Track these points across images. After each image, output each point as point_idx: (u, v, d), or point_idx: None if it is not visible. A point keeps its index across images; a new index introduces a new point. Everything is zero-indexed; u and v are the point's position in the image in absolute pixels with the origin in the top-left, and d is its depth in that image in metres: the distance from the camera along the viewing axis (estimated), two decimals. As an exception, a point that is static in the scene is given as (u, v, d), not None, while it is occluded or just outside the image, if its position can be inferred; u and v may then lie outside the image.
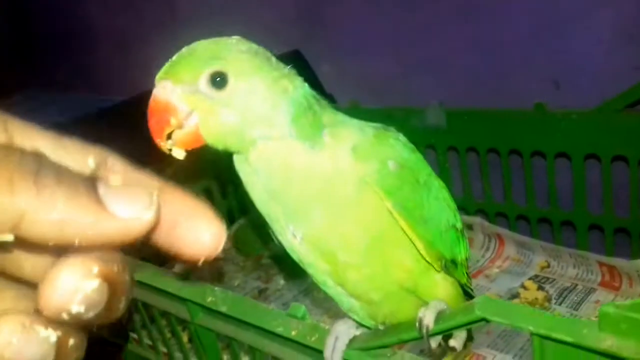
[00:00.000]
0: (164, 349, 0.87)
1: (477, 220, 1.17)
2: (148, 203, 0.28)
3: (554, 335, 0.39)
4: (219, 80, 0.43)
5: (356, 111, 1.19)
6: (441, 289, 0.52)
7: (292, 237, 0.48)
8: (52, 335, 0.27)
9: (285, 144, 0.45)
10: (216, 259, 0.35)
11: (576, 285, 0.99)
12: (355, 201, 0.47)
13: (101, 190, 0.28)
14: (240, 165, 0.48)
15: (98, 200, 0.27)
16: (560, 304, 0.96)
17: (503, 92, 1.15)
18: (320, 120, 0.47)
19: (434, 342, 0.49)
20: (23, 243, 0.27)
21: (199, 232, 0.31)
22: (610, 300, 0.93)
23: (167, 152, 0.43)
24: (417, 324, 0.48)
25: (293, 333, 0.58)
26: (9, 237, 0.26)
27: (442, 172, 1.17)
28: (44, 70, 2.45)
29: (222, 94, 0.43)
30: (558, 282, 1.01)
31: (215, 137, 0.45)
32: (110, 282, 0.28)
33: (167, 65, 0.44)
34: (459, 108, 1.11)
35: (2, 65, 2.31)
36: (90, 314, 0.27)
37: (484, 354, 0.89)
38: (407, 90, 1.25)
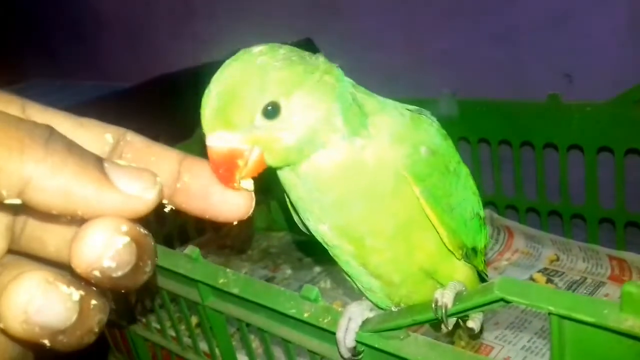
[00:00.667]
0: (172, 333, 0.86)
1: (486, 212, 1.16)
2: (152, 183, 0.29)
3: (574, 315, 0.39)
4: (271, 110, 0.42)
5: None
6: (460, 273, 0.52)
7: (320, 223, 0.48)
8: (75, 293, 0.27)
9: (338, 148, 0.45)
10: (249, 219, 0.35)
11: (585, 278, 0.99)
12: (390, 189, 0.46)
13: (108, 165, 0.28)
14: (285, 173, 0.47)
15: (104, 173, 0.28)
16: (569, 297, 0.95)
17: (516, 83, 1.15)
18: (364, 110, 0.46)
19: (451, 323, 0.49)
20: (30, 209, 0.27)
21: (231, 197, 0.34)
22: (619, 293, 0.93)
23: (238, 189, 0.41)
24: (433, 305, 0.47)
25: (306, 315, 0.58)
26: (17, 201, 0.27)
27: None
28: (51, 58, 2.45)
29: (278, 121, 0.42)
30: (567, 276, 1.01)
31: (279, 160, 0.44)
32: (137, 243, 0.28)
33: (211, 113, 0.41)
34: (471, 98, 1.11)
35: (8, 52, 2.31)
36: (119, 273, 0.28)
37: (492, 345, 0.89)
38: (420, 82, 1.25)
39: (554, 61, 1.12)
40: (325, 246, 0.51)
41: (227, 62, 0.43)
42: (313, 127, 0.43)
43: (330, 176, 0.45)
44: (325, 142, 0.44)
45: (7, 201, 0.26)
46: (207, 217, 0.34)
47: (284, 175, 0.47)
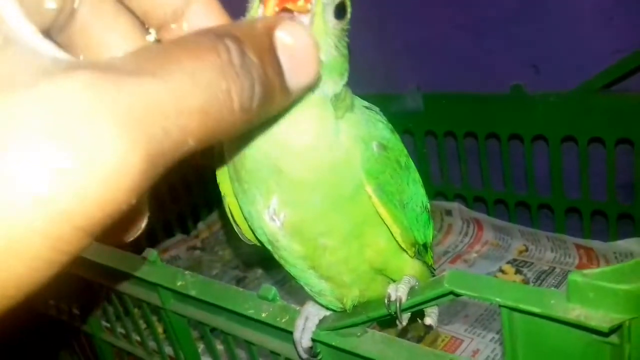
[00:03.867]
0: (137, 338, 0.85)
1: (455, 205, 1.16)
2: None
3: (522, 306, 0.38)
4: (341, 11, 0.40)
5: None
6: (411, 268, 0.51)
7: (270, 219, 0.44)
8: None
9: (328, 110, 0.42)
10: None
11: (554, 268, 0.99)
12: (347, 187, 0.44)
13: None
14: (256, 150, 0.42)
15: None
16: (538, 287, 0.95)
17: (483, 76, 1.15)
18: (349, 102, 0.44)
19: (405, 319, 0.48)
20: None
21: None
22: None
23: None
24: (386, 301, 0.47)
25: (264, 315, 0.57)
26: None
27: (420, 157, 1.16)
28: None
29: (341, 24, 0.41)
30: (536, 266, 1.01)
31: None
32: None
33: None
34: (436, 92, 1.10)
35: None
36: None
37: (461, 338, 0.89)
38: (387, 75, 1.24)
39: (520, 51, 1.12)
40: (271, 248, 0.48)
41: None
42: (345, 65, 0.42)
43: (308, 156, 0.42)
44: (332, 90, 0.42)
45: None
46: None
47: (254, 154, 0.42)
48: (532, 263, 1.02)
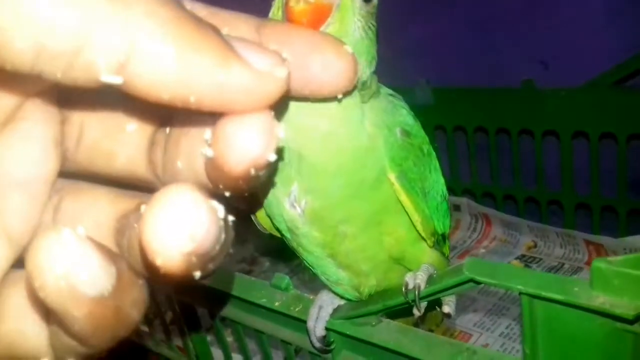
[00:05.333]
0: (145, 328, 0.85)
1: (464, 200, 1.16)
2: (280, 59, 0.22)
3: (544, 293, 0.38)
4: None
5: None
6: (428, 257, 0.50)
7: (291, 206, 0.44)
8: (220, 208, 0.21)
9: (355, 96, 0.41)
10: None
11: (563, 264, 0.99)
12: (370, 175, 0.44)
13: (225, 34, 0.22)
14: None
15: (226, 40, 0.21)
16: (547, 283, 0.95)
17: (492, 71, 1.14)
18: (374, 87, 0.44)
19: (422, 307, 0.47)
20: (129, 98, 0.20)
21: (333, 62, 0.26)
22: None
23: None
24: (403, 289, 0.46)
25: (277, 304, 0.57)
26: (117, 79, 0.19)
27: (429, 152, 1.16)
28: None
29: (369, 7, 0.41)
30: (545, 262, 1.01)
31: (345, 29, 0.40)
32: None
33: None
34: (446, 87, 1.10)
35: None
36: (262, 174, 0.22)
37: (470, 332, 0.89)
38: (396, 70, 1.23)
39: (528, 47, 1.12)
40: (289, 236, 0.47)
41: None
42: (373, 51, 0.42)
43: (331, 142, 0.41)
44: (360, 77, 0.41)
45: (105, 78, 0.19)
46: (307, 92, 0.27)
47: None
48: (541, 259, 1.02)
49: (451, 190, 1.18)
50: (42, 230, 0.24)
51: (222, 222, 0.21)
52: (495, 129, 1.06)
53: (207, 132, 0.22)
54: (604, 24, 1.02)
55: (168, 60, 0.19)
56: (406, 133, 0.45)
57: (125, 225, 0.24)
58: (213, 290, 0.63)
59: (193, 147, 0.24)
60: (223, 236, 0.21)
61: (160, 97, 0.20)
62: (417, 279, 0.46)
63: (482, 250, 1.08)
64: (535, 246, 1.05)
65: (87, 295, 0.20)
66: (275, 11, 0.40)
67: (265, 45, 0.25)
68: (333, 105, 0.40)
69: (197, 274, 0.21)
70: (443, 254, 0.53)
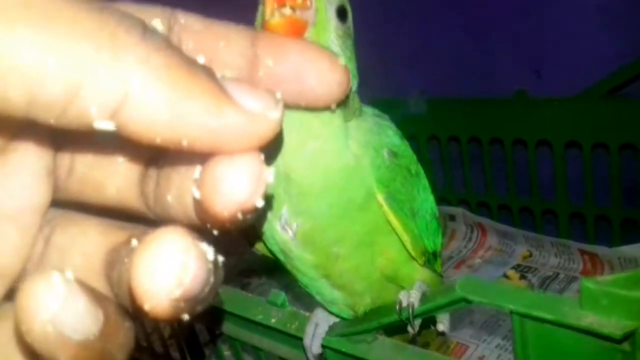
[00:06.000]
0: (144, 343, 0.85)
1: (459, 210, 1.16)
2: (274, 100, 0.22)
3: (534, 313, 0.39)
4: (342, 11, 0.41)
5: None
6: (421, 275, 0.51)
7: (282, 229, 0.44)
8: (210, 251, 0.21)
9: (336, 114, 0.42)
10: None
11: (558, 274, 1.00)
12: (358, 196, 0.44)
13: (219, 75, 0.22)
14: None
15: (219, 83, 0.21)
16: (542, 293, 0.96)
17: (485, 79, 1.15)
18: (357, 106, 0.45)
19: (417, 325, 0.48)
20: (122, 139, 0.20)
21: (328, 73, 0.26)
22: (591, 287, 0.94)
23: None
24: (397, 307, 0.47)
25: (273, 321, 0.57)
26: (109, 125, 0.19)
27: (423, 162, 1.16)
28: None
29: (344, 26, 0.42)
30: (540, 272, 1.01)
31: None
32: None
33: None
34: (439, 97, 1.11)
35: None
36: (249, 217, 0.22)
37: (467, 344, 0.89)
38: (388, 79, 1.25)
39: (522, 55, 1.13)
40: (282, 258, 0.48)
41: None
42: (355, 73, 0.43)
43: (317, 162, 0.42)
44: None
45: (98, 125, 0.19)
46: (302, 103, 0.27)
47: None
48: (537, 269, 1.02)
49: (446, 200, 1.19)
50: (30, 273, 0.25)
51: (211, 265, 0.21)
52: (489, 138, 1.07)
53: (196, 171, 0.23)
54: (597, 32, 1.03)
55: (160, 107, 0.19)
56: (393, 154, 0.46)
57: (116, 259, 0.24)
58: (210, 307, 0.63)
59: (183, 183, 0.24)
60: (212, 279, 0.21)
61: (153, 141, 0.20)
62: (410, 297, 0.46)
63: (478, 260, 1.08)
64: (531, 256, 1.06)
65: (73, 340, 0.20)
66: (257, 23, 0.41)
67: (261, 58, 0.25)
68: (317, 125, 0.41)
69: (185, 317, 0.21)
70: (435, 271, 0.54)
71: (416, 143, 1.16)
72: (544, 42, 1.09)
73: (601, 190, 0.99)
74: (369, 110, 0.47)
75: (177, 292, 0.20)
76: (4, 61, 0.18)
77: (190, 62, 0.21)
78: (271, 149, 0.38)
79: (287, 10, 0.37)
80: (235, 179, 0.21)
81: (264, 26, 0.37)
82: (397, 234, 0.46)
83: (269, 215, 0.44)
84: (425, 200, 0.50)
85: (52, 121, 0.20)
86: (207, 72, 0.21)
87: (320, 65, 0.27)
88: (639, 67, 0.88)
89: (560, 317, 0.38)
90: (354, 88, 0.44)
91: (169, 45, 0.20)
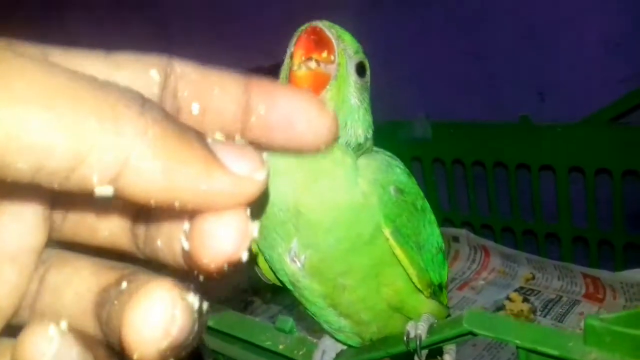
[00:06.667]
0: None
1: (463, 232, 1.17)
2: (260, 162, 0.24)
3: (540, 348, 0.40)
4: (361, 68, 0.46)
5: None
6: (427, 306, 0.52)
7: (292, 261, 0.46)
8: (195, 300, 0.23)
9: (349, 155, 0.46)
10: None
11: (561, 297, 1.00)
12: (366, 231, 0.46)
13: (210, 141, 0.23)
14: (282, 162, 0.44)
15: (210, 150, 0.23)
16: (545, 316, 0.96)
17: (490, 103, 1.17)
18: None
19: (423, 355, 0.49)
20: (120, 200, 0.22)
21: (316, 120, 0.27)
22: (594, 312, 0.94)
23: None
24: (405, 338, 0.48)
25: (281, 347, 0.58)
26: (108, 191, 0.21)
27: (428, 184, 1.18)
28: None
29: (363, 80, 0.46)
30: (543, 294, 1.02)
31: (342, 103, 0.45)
32: None
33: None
34: (445, 121, 1.12)
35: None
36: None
37: (470, 367, 0.90)
38: (394, 101, 1.26)
39: (526, 79, 1.14)
40: (291, 288, 0.50)
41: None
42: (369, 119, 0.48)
43: (327, 199, 0.44)
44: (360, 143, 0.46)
45: (98, 191, 0.21)
46: (292, 148, 0.28)
47: (274, 198, 0.45)
48: (539, 291, 1.03)
49: (450, 221, 1.20)
50: (26, 311, 0.26)
51: (196, 315, 0.22)
52: (493, 162, 1.08)
53: (185, 224, 0.24)
54: (601, 59, 1.04)
55: (156, 173, 0.21)
56: (400, 191, 0.47)
57: (106, 299, 0.26)
58: (217, 331, 0.64)
59: (172, 231, 0.26)
60: (197, 327, 0.22)
61: (148, 202, 0.22)
62: (418, 329, 0.47)
63: (482, 282, 1.09)
64: (534, 278, 1.07)
65: None
66: (283, 75, 0.44)
67: (253, 105, 0.27)
68: (329, 163, 0.43)
69: None
70: (441, 302, 0.55)
71: (421, 165, 1.18)
72: (548, 67, 1.11)
73: (604, 215, 1.00)
74: (380, 151, 0.50)
75: (164, 343, 0.21)
76: (15, 141, 0.20)
77: (183, 130, 0.23)
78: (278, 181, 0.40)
79: (313, 64, 0.41)
80: (222, 234, 0.23)
81: (290, 76, 0.41)
82: (403, 266, 0.48)
83: (280, 248, 0.45)
84: (431, 234, 0.52)
85: (55, 186, 0.21)
86: (199, 138, 0.23)
87: (310, 112, 0.28)
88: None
89: (566, 353, 0.39)
90: (369, 135, 0.48)
91: (164, 116, 0.22)
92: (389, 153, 0.51)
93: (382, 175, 0.47)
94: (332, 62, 0.43)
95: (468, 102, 1.22)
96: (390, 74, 1.30)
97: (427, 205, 0.52)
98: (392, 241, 0.46)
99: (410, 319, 0.50)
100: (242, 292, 1.21)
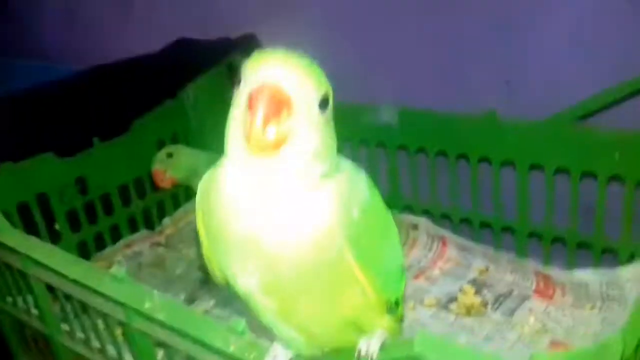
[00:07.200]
0: (97, 345, 0.84)
1: (422, 220, 1.18)
2: None
3: (490, 379, 0.40)
4: (324, 102, 0.43)
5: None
6: (383, 320, 0.52)
7: (245, 278, 0.46)
8: None
9: (313, 182, 0.44)
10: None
11: (512, 291, 1.02)
12: (327, 252, 0.45)
13: None
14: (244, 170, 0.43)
15: None
16: (495, 310, 0.98)
17: (458, 91, 1.17)
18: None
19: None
20: None
21: None
22: (542, 308, 0.97)
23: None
24: (356, 354, 0.48)
25: (232, 348, 0.57)
26: None
27: (391, 171, 1.18)
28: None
29: (324, 115, 0.43)
30: (495, 288, 1.04)
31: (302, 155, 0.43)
32: None
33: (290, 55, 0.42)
34: (412, 108, 1.11)
35: None
36: None
37: None
38: (364, 82, 1.25)
39: (495, 69, 1.14)
40: (243, 298, 0.49)
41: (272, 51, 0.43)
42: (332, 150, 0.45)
43: (288, 225, 0.43)
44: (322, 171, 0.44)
45: None
46: None
47: (231, 220, 0.44)
48: (492, 285, 1.05)
49: (410, 209, 1.20)
50: None
51: None
52: (456, 154, 1.08)
53: None
54: (571, 57, 1.05)
55: None
56: (363, 211, 0.46)
57: None
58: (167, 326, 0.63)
59: None
60: None
61: None
62: (370, 347, 0.47)
63: (437, 272, 1.10)
64: (487, 270, 1.08)
65: None
66: (238, 100, 0.43)
67: None
68: (289, 185, 0.41)
69: None
70: (397, 317, 0.55)
71: (385, 151, 1.17)
72: (519, 61, 1.11)
73: (561, 214, 1.02)
74: (346, 164, 0.48)
75: None
76: None
77: None
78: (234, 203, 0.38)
79: (272, 134, 0.39)
80: None
81: (246, 139, 0.39)
82: (361, 285, 0.47)
83: (236, 266, 0.44)
84: (392, 253, 0.51)
85: None
86: None
87: None
88: (608, 97, 0.90)
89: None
90: (334, 158, 0.46)
91: None
92: (354, 165, 0.49)
93: (346, 195, 0.45)
94: (292, 114, 0.40)
95: (437, 88, 1.21)
96: (363, 53, 1.28)
97: (390, 221, 0.52)
98: (352, 262, 0.45)
99: (364, 332, 0.50)
100: (198, 270, 1.19)
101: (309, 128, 0.41)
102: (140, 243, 1.29)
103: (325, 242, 0.44)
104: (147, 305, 0.65)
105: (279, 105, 0.39)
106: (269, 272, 0.44)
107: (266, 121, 0.38)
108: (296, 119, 0.40)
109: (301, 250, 0.44)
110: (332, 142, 0.45)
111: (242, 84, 0.42)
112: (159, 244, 1.29)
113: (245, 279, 0.45)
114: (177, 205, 1.38)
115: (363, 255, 0.46)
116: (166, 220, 1.35)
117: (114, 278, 0.69)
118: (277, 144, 0.40)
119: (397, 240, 0.53)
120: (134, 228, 1.30)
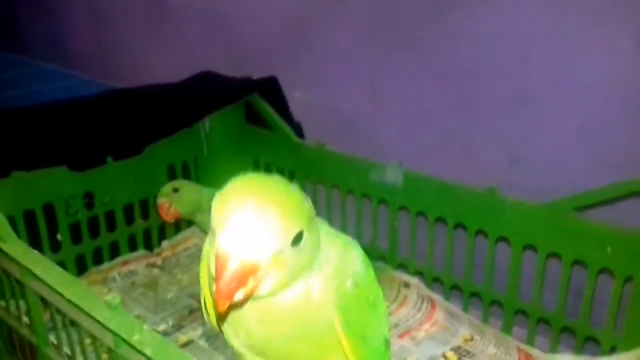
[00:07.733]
0: (81, 361, 0.86)
1: (415, 281, 1.20)
2: None
3: None
4: (298, 237, 0.42)
5: (320, 155, 1.21)
6: None
7: (235, 337, 0.49)
8: None
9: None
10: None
11: (493, 364, 1.03)
12: (316, 322, 0.47)
13: None
14: None
15: None
16: (474, 382, 1.00)
17: (464, 160, 1.19)
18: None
19: None
20: None
21: None
22: (521, 387, 0.98)
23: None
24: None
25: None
26: None
27: (391, 229, 1.20)
28: (9, 27, 2.37)
29: (298, 249, 0.43)
30: (477, 358, 1.05)
31: (280, 287, 0.44)
32: None
33: (247, 226, 0.40)
34: (416, 173, 1.14)
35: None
36: None
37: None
38: (374, 130, 1.28)
39: (504, 146, 1.17)
40: (230, 344, 0.52)
41: (239, 184, 0.42)
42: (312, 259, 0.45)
43: (283, 299, 0.45)
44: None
45: None
46: None
47: None
48: (475, 354, 1.06)
49: (405, 268, 1.22)
50: None
51: None
52: (455, 223, 1.11)
53: None
54: (578, 148, 1.07)
55: None
56: (355, 284, 0.49)
57: None
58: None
59: None
60: None
61: None
62: None
63: (422, 334, 1.12)
64: (472, 340, 1.10)
65: None
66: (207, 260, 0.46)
67: None
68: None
69: None
70: None
71: (386, 209, 1.20)
72: (527, 140, 1.14)
73: (549, 295, 1.04)
74: (339, 237, 0.50)
75: None
76: None
77: None
78: None
79: (240, 295, 0.40)
80: None
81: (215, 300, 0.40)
82: (345, 354, 0.49)
83: (228, 329, 0.47)
84: (378, 326, 0.53)
85: None
86: None
87: None
88: (607, 194, 0.93)
89: None
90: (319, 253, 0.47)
91: None
92: (347, 238, 0.52)
93: (339, 269, 0.48)
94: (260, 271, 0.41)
95: (443, 154, 1.24)
96: (374, 101, 1.32)
97: (379, 295, 0.54)
98: (340, 332, 0.48)
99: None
100: (189, 297, 1.21)
101: (280, 269, 0.42)
102: (137, 262, 1.31)
103: (315, 314, 0.47)
104: (135, 337, 0.67)
105: (244, 275, 0.39)
106: (259, 338, 0.46)
107: (232, 291, 0.39)
108: (264, 269, 0.41)
109: (290, 316, 0.46)
110: (314, 250, 0.45)
111: (213, 227, 0.42)
112: (154, 265, 1.32)
113: (236, 340, 0.48)
114: (177, 229, 1.41)
115: (350, 325, 0.48)
116: (165, 243, 1.38)
117: (108, 305, 0.71)
118: (246, 299, 0.41)
119: (384, 317, 0.55)
120: (133, 247, 1.33)
